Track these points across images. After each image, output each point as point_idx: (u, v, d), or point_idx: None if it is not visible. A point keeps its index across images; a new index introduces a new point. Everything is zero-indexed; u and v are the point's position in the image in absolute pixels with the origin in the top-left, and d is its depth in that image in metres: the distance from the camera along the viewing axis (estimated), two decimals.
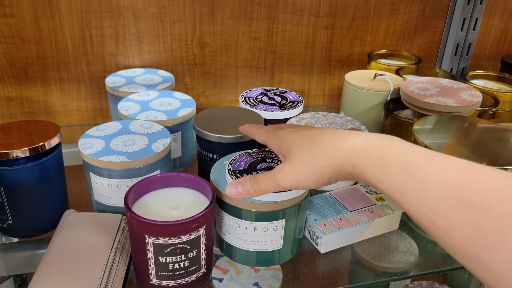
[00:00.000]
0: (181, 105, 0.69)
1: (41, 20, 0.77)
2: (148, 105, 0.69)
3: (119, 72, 0.81)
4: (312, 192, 0.62)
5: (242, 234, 0.50)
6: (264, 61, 0.91)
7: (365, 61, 0.96)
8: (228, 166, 0.51)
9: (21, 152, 0.50)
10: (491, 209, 0.27)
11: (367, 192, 0.62)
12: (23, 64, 0.79)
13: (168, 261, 0.43)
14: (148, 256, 0.43)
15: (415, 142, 0.57)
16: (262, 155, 0.54)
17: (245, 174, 0.50)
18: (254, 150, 0.56)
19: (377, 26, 0.94)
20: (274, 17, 0.87)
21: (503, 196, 0.27)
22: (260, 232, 0.49)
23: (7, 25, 0.75)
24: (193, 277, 0.46)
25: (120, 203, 0.56)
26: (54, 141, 0.53)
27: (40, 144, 0.51)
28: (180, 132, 0.67)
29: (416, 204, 0.31)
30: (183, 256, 0.43)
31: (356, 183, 0.65)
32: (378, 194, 0.61)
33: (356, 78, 0.76)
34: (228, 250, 0.53)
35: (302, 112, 0.69)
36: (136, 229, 0.43)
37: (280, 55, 0.91)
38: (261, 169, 0.52)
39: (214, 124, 0.61)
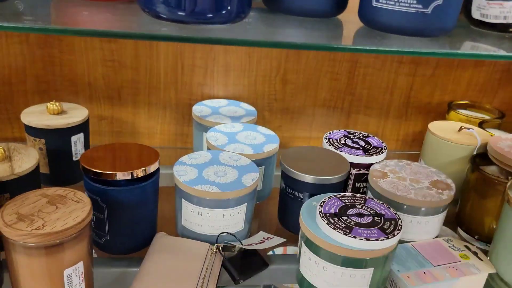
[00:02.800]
0: (266, 140, 0.71)
1: (140, 47, 0.82)
2: (234, 137, 0.71)
3: (204, 102, 0.84)
4: None
5: (328, 277, 0.50)
6: (342, 102, 0.92)
7: (444, 109, 0.95)
8: (319, 208, 0.52)
9: (126, 175, 0.53)
10: None
11: (450, 247, 0.60)
12: (118, 87, 0.85)
13: None
14: None
15: (509, 201, 0.56)
16: (352, 200, 0.55)
17: (336, 218, 0.51)
18: (343, 194, 0.56)
19: (459, 76, 0.93)
20: (357, 60, 0.89)
21: None
22: (347, 278, 0.50)
23: (110, 50, 0.81)
24: None
25: (206, 232, 0.58)
26: (154, 167, 0.57)
27: (143, 168, 0.55)
28: (263, 167, 0.69)
29: None
30: None
31: (437, 236, 0.64)
32: (462, 251, 0.60)
33: (440, 128, 0.76)
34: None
35: (385, 159, 0.69)
36: None
37: (358, 97, 0.92)
38: (352, 215, 0.52)
39: (302, 163, 0.63)
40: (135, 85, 0.85)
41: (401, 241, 0.61)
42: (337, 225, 0.50)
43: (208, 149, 0.70)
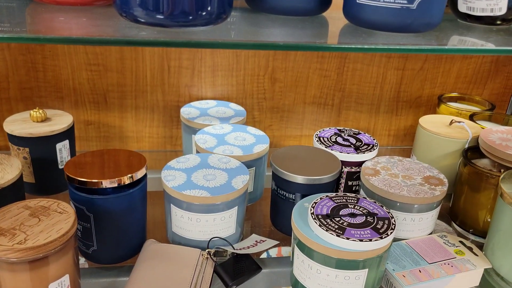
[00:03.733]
0: (256, 141, 0.70)
1: (125, 50, 0.80)
2: (224, 139, 0.70)
3: (192, 103, 0.83)
4: None
5: (322, 280, 0.49)
6: (332, 98, 0.91)
7: (434, 103, 0.95)
8: (311, 210, 0.51)
9: (112, 183, 0.52)
10: None
11: (445, 243, 0.60)
12: (104, 91, 0.83)
13: None
14: None
15: (502, 195, 0.56)
16: (344, 200, 0.54)
17: (328, 220, 0.50)
18: (335, 194, 0.55)
19: (449, 69, 0.92)
20: (346, 56, 0.88)
21: None
22: (341, 280, 0.49)
23: (94, 53, 0.80)
24: None
25: (197, 237, 0.57)
26: (141, 173, 0.55)
27: (129, 175, 0.53)
28: (254, 168, 0.68)
29: None
30: None
31: (431, 233, 0.63)
32: (457, 246, 0.59)
33: (430, 123, 0.75)
34: None
35: (377, 155, 0.68)
36: None
37: (348, 93, 0.91)
38: (344, 215, 0.51)
39: (293, 163, 0.62)
40: (121, 89, 0.83)
41: (395, 239, 0.61)
42: (329, 227, 0.49)
43: (197, 152, 0.69)
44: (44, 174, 0.67)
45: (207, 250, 0.55)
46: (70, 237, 0.43)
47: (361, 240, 0.47)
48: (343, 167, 0.66)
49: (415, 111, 0.95)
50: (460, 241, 0.60)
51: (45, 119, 0.67)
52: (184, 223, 0.57)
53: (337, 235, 0.47)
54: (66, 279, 0.44)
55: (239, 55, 0.84)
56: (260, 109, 0.90)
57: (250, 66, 0.86)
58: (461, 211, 0.68)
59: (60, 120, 0.68)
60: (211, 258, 0.55)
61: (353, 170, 0.67)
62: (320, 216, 0.50)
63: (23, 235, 0.41)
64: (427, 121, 0.76)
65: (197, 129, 0.75)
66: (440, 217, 0.70)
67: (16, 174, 0.54)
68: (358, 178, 0.67)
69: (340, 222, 0.50)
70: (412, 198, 0.58)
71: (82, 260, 0.57)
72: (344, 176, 0.67)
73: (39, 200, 0.47)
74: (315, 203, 0.53)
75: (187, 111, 0.79)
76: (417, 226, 0.60)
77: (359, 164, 0.66)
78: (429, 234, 0.62)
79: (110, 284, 0.54)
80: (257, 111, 0.90)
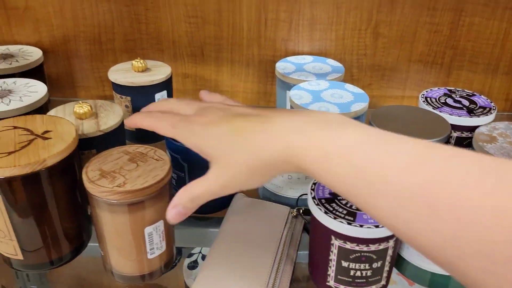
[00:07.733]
0: (354, 99, 0.65)
1: (222, 1, 0.79)
2: (319, 95, 0.67)
3: (288, 58, 0.80)
4: None
5: None
6: (442, 56, 0.82)
7: None
8: None
9: None
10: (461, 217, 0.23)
11: None
12: (201, 44, 0.83)
13: (350, 267, 0.41)
14: (330, 258, 0.42)
15: None
16: None
17: None
18: None
19: None
20: (462, 9, 0.78)
21: (472, 199, 0.22)
22: None
23: (193, 5, 0.79)
24: (372, 287, 0.43)
25: (288, 194, 0.56)
26: None
27: None
28: None
29: (373, 208, 0.27)
30: (367, 264, 0.41)
31: None
32: None
33: None
34: (400, 263, 0.49)
35: (494, 121, 0.60)
36: (322, 229, 0.41)
37: (461, 51, 0.82)
38: None
39: (395, 124, 0.57)
40: (218, 42, 0.83)
41: None
42: None
43: (291, 107, 0.66)
44: None
45: (296, 208, 0.53)
46: (165, 184, 0.44)
47: None
48: (453, 131, 0.60)
49: None
50: None
51: (145, 69, 0.69)
52: (275, 178, 0.56)
53: None
54: (160, 225, 0.45)
55: (340, 8, 0.79)
56: (360, 67, 0.84)
57: (352, 20, 0.80)
58: None
59: (159, 71, 0.69)
60: (301, 216, 0.53)
61: (463, 135, 0.60)
62: None
63: (122, 179, 0.42)
64: None
65: (291, 84, 0.72)
66: None
67: (118, 121, 0.56)
68: (470, 145, 0.60)
69: None
70: None
71: None
72: (453, 141, 0.60)
73: (137, 146, 0.48)
74: None
75: (283, 65, 0.77)
76: None
77: (472, 129, 0.59)
78: None
79: (201, 233, 0.55)
80: (356, 68, 0.84)
